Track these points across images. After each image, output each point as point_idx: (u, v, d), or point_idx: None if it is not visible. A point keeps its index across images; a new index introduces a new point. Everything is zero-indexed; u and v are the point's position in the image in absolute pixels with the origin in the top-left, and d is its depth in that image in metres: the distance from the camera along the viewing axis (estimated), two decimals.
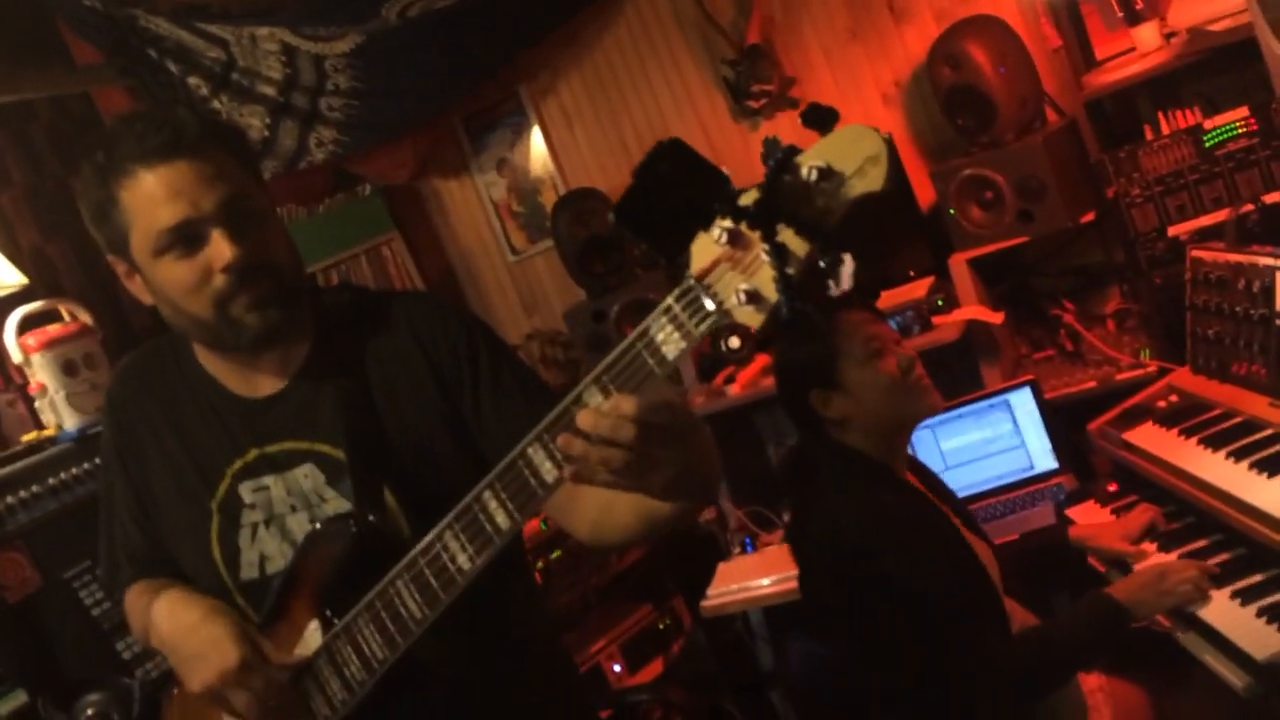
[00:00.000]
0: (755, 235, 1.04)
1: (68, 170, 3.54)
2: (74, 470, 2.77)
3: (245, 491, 1.55)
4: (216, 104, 3.53)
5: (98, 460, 2.80)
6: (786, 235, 1.02)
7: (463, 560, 1.30)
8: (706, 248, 1.07)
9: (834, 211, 1.01)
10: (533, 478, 1.23)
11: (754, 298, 1.05)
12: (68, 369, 2.83)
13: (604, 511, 1.45)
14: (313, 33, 3.39)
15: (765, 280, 1.04)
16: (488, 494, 1.26)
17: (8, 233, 3.23)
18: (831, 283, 1.02)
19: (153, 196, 1.40)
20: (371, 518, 1.46)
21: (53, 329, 2.87)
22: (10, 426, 2.99)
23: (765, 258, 1.03)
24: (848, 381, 2.02)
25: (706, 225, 1.07)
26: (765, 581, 2.95)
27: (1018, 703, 1.93)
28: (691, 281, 1.08)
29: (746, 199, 1.04)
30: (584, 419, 1.15)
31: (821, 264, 1.01)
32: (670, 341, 1.11)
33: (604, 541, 1.51)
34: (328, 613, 1.47)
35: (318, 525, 1.50)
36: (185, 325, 1.50)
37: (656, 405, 1.14)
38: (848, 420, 2.03)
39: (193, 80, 3.51)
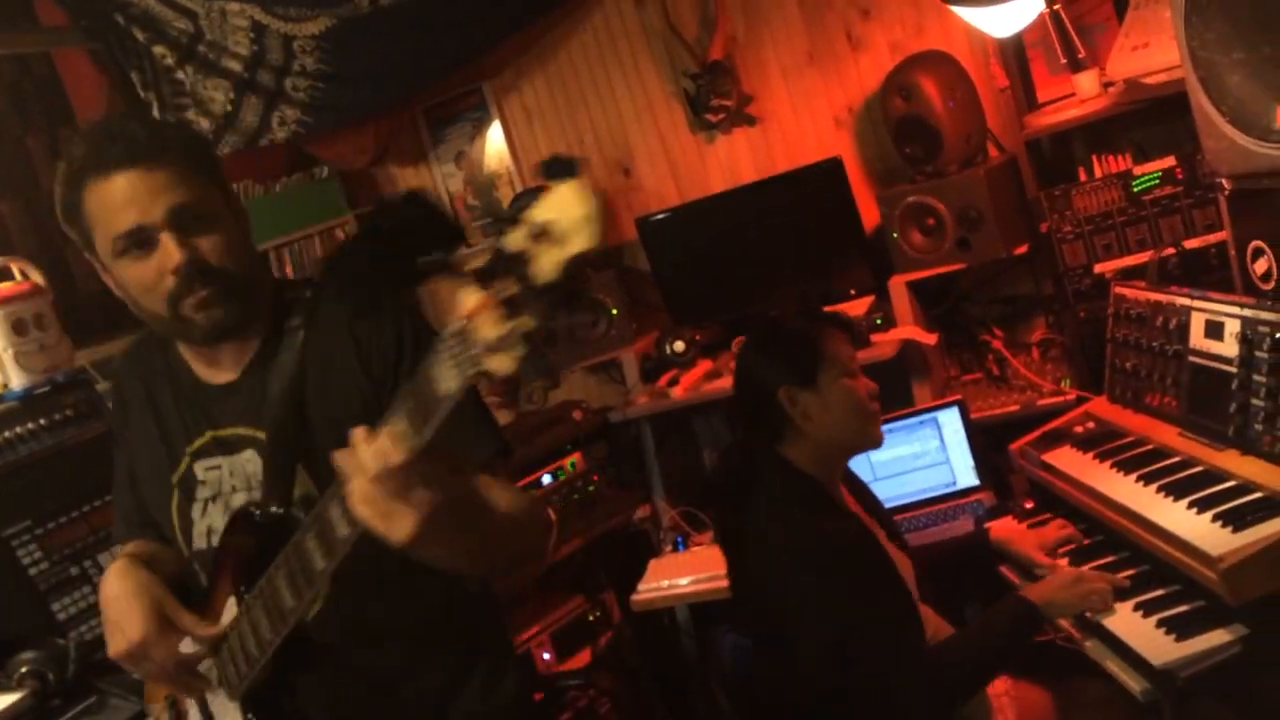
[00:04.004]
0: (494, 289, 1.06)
1: (26, 129, 3.51)
2: (18, 429, 2.76)
3: (200, 470, 1.67)
4: (181, 75, 3.54)
5: (42, 420, 2.82)
6: (513, 290, 1.05)
7: (318, 561, 1.38)
8: (471, 294, 1.08)
9: (553, 268, 1.03)
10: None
11: (497, 345, 1.06)
12: (18, 327, 2.82)
13: None
14: (284, 12, 3.41)
15: (499, 331, 1.06)
16: (334, 504, 1.33)
17: None
18: (562, 329, 1.05)
19: (109, 204, 1.50)
20: (274, 509, 1.56)
21: (4, 286, 2.85)
22: None
23: (498, 309, 1.06)
24: (823, 386, 2.08)
25: (421, 281, 1.12)
26: (683, 581, 3.06)
27: (941, 712, 2.02)
28: (458, 324, 1.09)
29: (477, 260, 1.07)
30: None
31: (551, 315, 1.04)
32: (444, 379, 1.13)
33: None
34: (242, 589, 1.56)
35: (237, 510, 1.61)
36: (147, 319, 1.61)
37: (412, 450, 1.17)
38: (808, 424, 2.08)
39: (158, 49, 3.51)
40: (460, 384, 1.12)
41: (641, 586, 3.14)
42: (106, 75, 3.63)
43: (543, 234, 1.02)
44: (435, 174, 4.09)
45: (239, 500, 1.63)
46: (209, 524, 1.66)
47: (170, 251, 1.50)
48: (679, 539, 3.34)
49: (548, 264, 1.03)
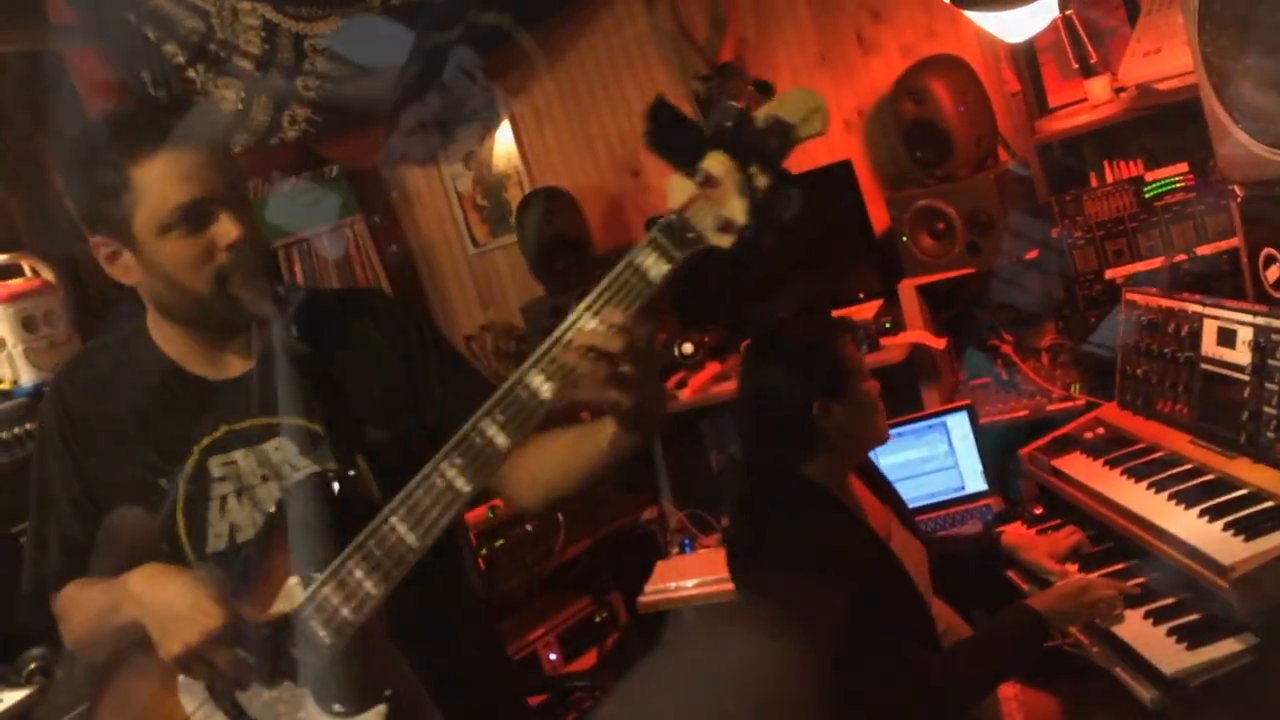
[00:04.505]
0: (724, 174, 1.28)
1: (37, 126, 3.52)
2: (27, 425, 2.77)
3: (214, 466, 1.63)
4: (192, 73, 3.54)
5: None
6: (752, 171, 1.27)
7: (460, 484, 1.41)
8: (682, 189, 1.30)
9: (788, 151, 1.27)
10: (531, 398, 1.38)
11: (724, 224, 1.29)
12: (28, 324, 2.84)
13: (554, 472, 1.61)
14: (295, 11, 3.42)
15: (734, 209, 1.28)
16: (486, 421, 1.39)
17: None
18: (786, 209, 1.26)
19: (166, 176, 1.51)
20: (351, 473, 1.56)
21: (15, 283, 2.87)
22: None
23: (734, 191, 1.27)
24: (852, 394, 2.08)
25: (701, 154, 1.29)
26: (690, 583, 3.06)
27: (947, 717, 2.03)
28: (673, 216, 1.31)
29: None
30: (584, 335, 1.34)
31: (778, 193, 1.27)
32: (655, 265, 1.33)
33: (556, 496, 1.66)
34: (307, 570, 1.52)
35: (296, 484, 1.57)
36: (176, 301, 1.60)
37: (640, 320, 1.34)
38: (838, 434, 2.07)
39: (169, 48, 3.51)
40: (669, 269, 1.31)
41: (648, 588, 3.14)
42: (117, 73, 3.63)
43: (774, 125, 1.26)
44: (444, 174, 4.09)
45: (268, 491, 1.61)
46: (231, 522, 1.62)
47: (228, 227, 1.53)
48: (686, 541, 3.34)
49: (780, 148, 1.26)
